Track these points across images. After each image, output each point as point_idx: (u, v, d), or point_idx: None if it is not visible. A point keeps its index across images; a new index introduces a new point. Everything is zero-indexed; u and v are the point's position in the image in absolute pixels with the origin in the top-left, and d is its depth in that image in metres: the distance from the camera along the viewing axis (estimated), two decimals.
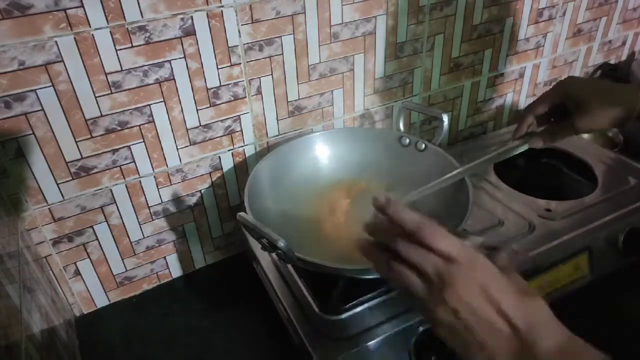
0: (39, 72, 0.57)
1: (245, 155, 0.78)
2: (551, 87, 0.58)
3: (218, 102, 0.71)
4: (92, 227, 0.71)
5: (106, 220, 0.71)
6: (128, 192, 0.71)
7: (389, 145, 0.77)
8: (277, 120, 0.78)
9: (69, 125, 0.62)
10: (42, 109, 0.60)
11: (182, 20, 0.63)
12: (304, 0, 0.69)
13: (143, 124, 0.67)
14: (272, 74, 0.73)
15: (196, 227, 0.80)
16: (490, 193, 0.80)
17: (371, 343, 0.58)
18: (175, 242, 0.79)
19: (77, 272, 0.73)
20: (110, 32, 0.59)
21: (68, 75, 0.59)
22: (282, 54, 0.72)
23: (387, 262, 0.39)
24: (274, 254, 0.54)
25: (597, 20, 1.04)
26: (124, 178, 0.69)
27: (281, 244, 0.51)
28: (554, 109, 0.58)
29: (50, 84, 0.59)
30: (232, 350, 0.70)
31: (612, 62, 1.14)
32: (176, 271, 0.82)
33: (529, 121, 0.60)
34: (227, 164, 0.77)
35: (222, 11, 0.65)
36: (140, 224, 0.74)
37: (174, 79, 0.66)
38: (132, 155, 0.68)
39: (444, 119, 0.72)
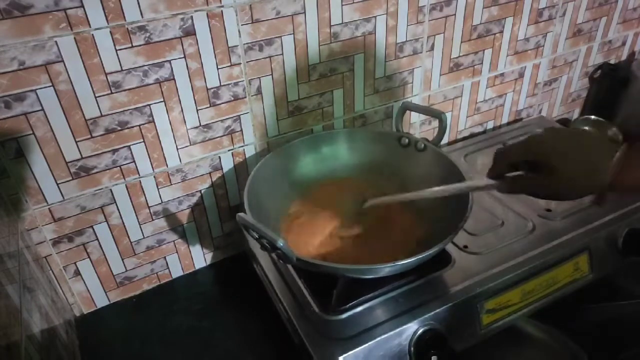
0: (39, 72, 0.57)
1: (245, 155, 0.78)
2: (526, 138, 0.53)
3: (218, 102, 0.71)
4: (92, 227, 0.71)
5: (106, 220, 0.71)
6: (128, 192, 0.71)
7: (389, 145, 0.77)
8: (277, 120, 0.78)
9: (69, 125, 0.62)
10: (42, 109, 0.60)
11: (182, 20, 0.63)
12: (304, 0, 0.69)
13: (143, 124, 0.67)
14: (272, 74, 0.73)
15: (196, 227, 0.80)
16: (490, 193, 0.80)
17: (371, 343, 0.58)
18: (175, 242, 0.79)
19: (77, 272, 0.73)
20: (110, 32, 0.59)
21: (68, 75, 0.59)
22: (282, 54, 0.72)
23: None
24: (273, 254, 0.54)
25: (597, 20, 1.04)
26: (124, 178, 0.69)
27: (281, 244, 0.51)
28: (528, 161, 0.53)
29: (50, 84, 0.59)
30: (232, 350, 0.70)
31: (612, 62, 1.14)
32: (176, 271, 0.82)
33: (504, 164, 0.55)
34: (227, 164, 0.77)
35: (222, 11, 0.65)
36: (140, 224, 0.74)
37: (174, 79, 0.66)
38: (132, 155, 0.68)
39: (443, 119, 0.72)
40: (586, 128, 1.02)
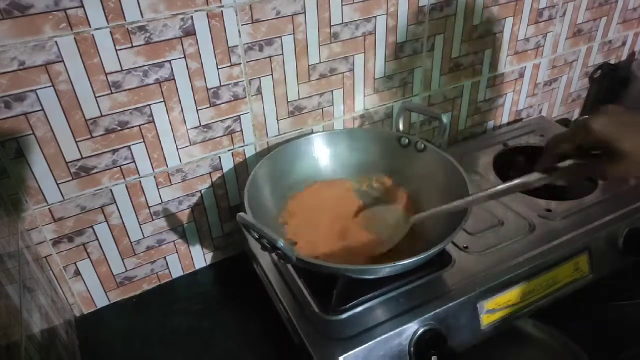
0: (39, 72, 0.57)
1: (245, 155, 0.78)
2: (582, 121, 0.50)
3: (218, 102, 0.71)
4: (92, 227, 0.71)
5: (106, 220, 0.71)
6: (128, 192, 0.71)
7: (389, 145, 0.77)
8: (277, 120, 0.78)
9: (69, 125, 0.62)
10: (42, 109, 0.60)
11: (182, 20, 0.63)
12: (304, 0, 0.69)
13: (143, 124, 0.67)
14: (272, 74, 0.73)
15: (196, 227, 0.80)
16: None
17: (371, 343, 0.58)
18: (175, 242, 0.79)
19: (77, 272, 0.73)
20: (110, 32, 0.59)
21: (68, 75, 0.59)
22: (282, 54, 0.72)
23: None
24: (274, 254, 0.54)
25: (597, 20, 1.04)
26: (124, 178, 0.69)
27: (281, 244, 0.51)
28: (583, 147, 0.51)
29: (50, 84, 0.59)
30: (232, 350, 0.70)
31: (612, 62, 1.14)
32: (176, 271, 0.82)
33: (554, 155, 0.53)
34: (227, 164, 0.77)
35: (222, 11, 0.65)
36: (140, 224, 0.74)
37: (174, 79, 0.66)
38: (132, 155, 0.68)
39: (443, 120, 0.73)
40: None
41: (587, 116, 0.50)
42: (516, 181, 0.56)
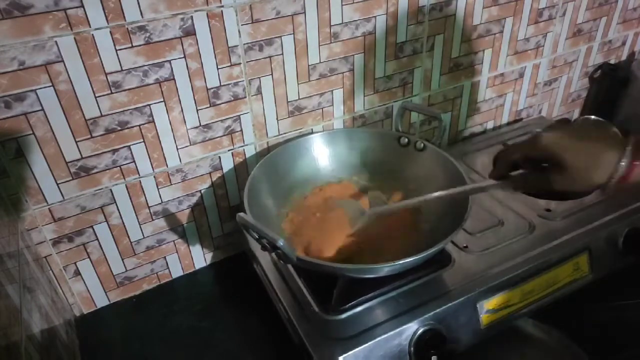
0: (39, 72, 0.57)
1: (245, 155, 0.78)
2: (529, 138, 0.53)
3: (218, 102, 0.71)
4: (92, 227, 0.71)
5: (106, 220, 0.71)
6: (128, 192, 0.71)
7: (388, 145, 0.77)
8: (277, 120, 0.78)
9: (69, 125, 0.62)
10: (42, 109, 0.60)
11: (182, 20, 0.63)
12: (304, 0, 0.69)
13: (143, 124, 0.67)
14: (272, 74, 0.73)
15: (196, 227, 0.80)
16: (490, 193, 0.80)
17: (371, 343, 0.58)
18: (175, 242, 0.79)
19: (77, 272, 0.73)
20: (110, 32, 0.59)
21: (68, 75, 0.59)
22: (282, 54, 0.72)
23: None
24: (274, 254, 0.54)
25: (597, 20, 1.04)
26: (124, 178, 0.69)
27: (281, 243, 0.51)
28: (532, 158, 0.53)
29: (50, 84, 0.59)
30: (232, 350, 0.70)
31: (612, 62, 1.14)
32: (176, 271, 0.82)
33: (506, 164, 0.55)
34: (227, 164, 0.77)
35: (222, 11, 0.65)
36: (140, 224, 0.74)
37: (174, 79, 0.66)
38: (132, 155, 0.68)
39: (442, 120, 0.73)
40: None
41: (539, 130, 0.51)
42: (471, 186, 0.60)
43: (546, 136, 0.51)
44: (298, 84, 0.76)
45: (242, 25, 0.67)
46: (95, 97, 0.62)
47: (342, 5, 0.73)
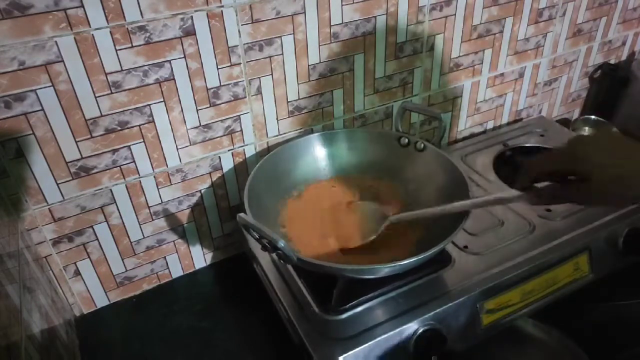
0: (39, 72, 0.57)
1: (245, 155, 0.78)
2: (565, 146, 0.50)
3: (218, 102, 0.71)
4: (92, 227, 0.71)
5: (106, 220, 0.71)
6: (128, 192, 0.71)
7: (388, 145, 0.77)
8: (277, 120, 0.78)
9: (69, 125, 0.62)
10: (42, 109, 0.60)
11: (182, 20, 0.63)
12: (304, 0, 0.69)
13: (143, 124, 0.67)
14: (272, 74, 0.73)
15: (196, 227, 0.80)
16: (490, 193, 0.80)
17: (371, 343, 0.58)
18: (175, 242, 0.79)
19: (77, 272, 0.73)
20: (110, 32, 0.59)
21: (68, 75, 0.59)
22: (282, 54, 0.72)
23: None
24: (274, 254, 0.54)
25: (597, 20, 1.04)
26: (124, 178, 0.69)
27: (281, 244, 0.51)
28: (563, 171, 0.51)
29: (50, 84, 0.59)
30: (232, 350, 0.70)
31: (612, 62, 1.14)
32: (176, 271, 0.82)
33: (532, 176, 0.53)
34: (227, 164, 0.77)
35: (222, 11, 0.65)
36: (140, 224, 0.74)
37: (174, 79, 0.66)
38: (132, 155, 0.68)
39: (442, 120, 0.73)
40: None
41: (570, 139, 0.50)
42: (494, 196, 0.58)
43: (569, 149, 0.50)
44: (298, 84, 0.76)
45: (242, 25, 0.67)
46: (95, 97, 0.62)
47: (342, 5, 0.73)
